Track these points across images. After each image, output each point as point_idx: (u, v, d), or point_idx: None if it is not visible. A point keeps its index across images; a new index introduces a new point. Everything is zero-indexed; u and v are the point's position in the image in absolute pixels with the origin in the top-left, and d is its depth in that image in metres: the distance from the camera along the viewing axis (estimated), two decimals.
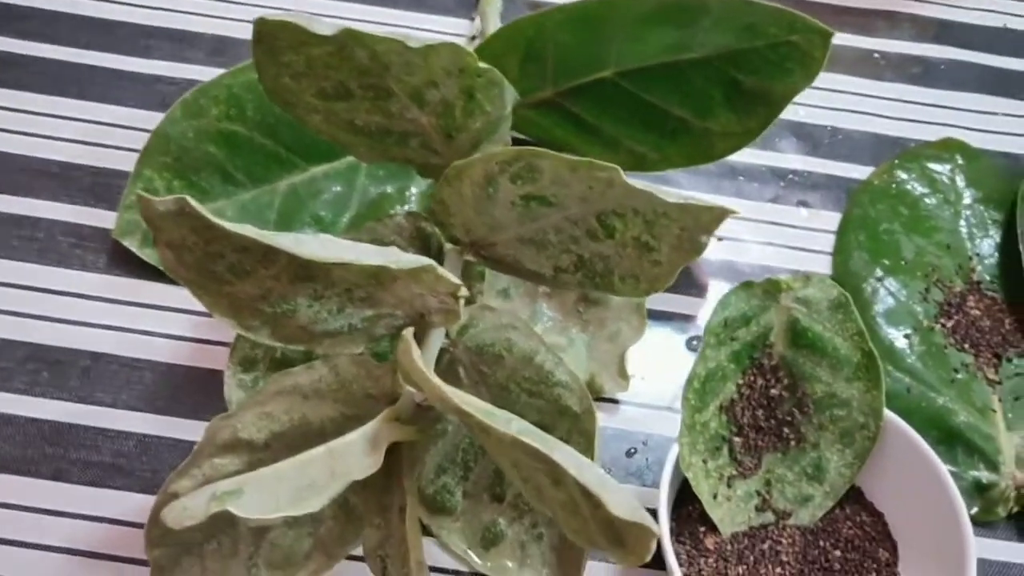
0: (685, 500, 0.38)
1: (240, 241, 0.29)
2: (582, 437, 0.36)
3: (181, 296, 0.44)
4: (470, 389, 0.36)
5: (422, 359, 0.30)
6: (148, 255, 0.44)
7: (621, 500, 0.25)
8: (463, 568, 0.38)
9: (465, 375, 0.37)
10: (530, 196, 0.33)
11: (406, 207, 0.47)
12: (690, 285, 0.48)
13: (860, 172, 0.53)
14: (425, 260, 0.31)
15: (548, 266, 0.35)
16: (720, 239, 0.49)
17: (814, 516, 0.38)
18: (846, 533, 0.38)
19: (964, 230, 0.50)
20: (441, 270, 0.31)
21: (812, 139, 0.54)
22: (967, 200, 0.52)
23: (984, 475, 0.42)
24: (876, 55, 0.59)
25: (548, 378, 0.36)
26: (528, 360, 0.36)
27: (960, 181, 0.52)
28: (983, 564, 0.40)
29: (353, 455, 0.29)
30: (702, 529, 0.37)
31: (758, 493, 0.38)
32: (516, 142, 0.41)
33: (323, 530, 0.34)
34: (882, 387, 0.37)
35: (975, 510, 0.41)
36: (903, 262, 0.49)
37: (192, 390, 0.42)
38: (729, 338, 0.37)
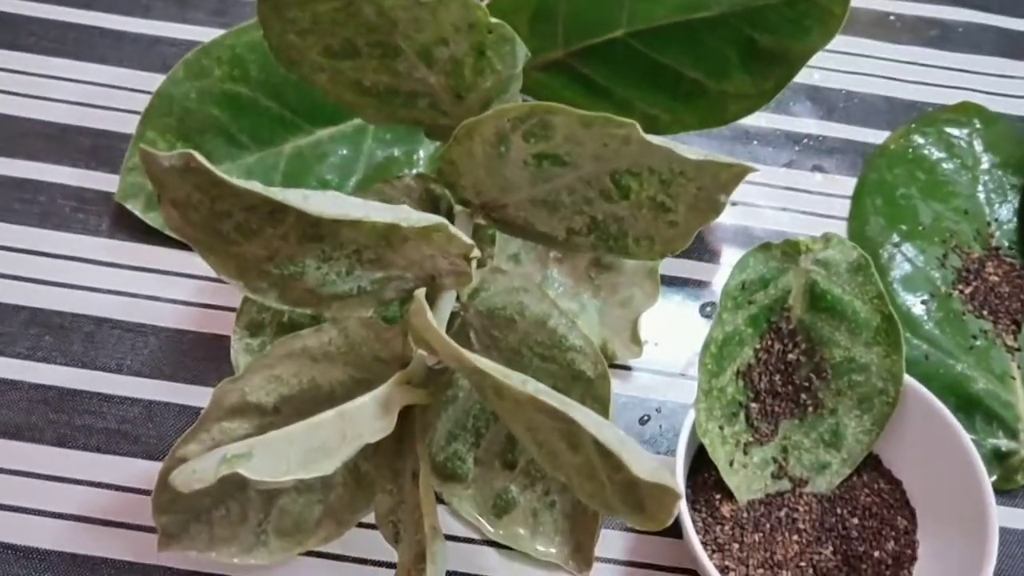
0: (701, 467, 0.37)
1: (247, 198, 0.28)
2: (596, 403, 0.35)
3: (186, 260, 0.43)
4: (481, 354, 0.36)
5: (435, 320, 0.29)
6: (152, 218, 0.44)
7: (643, 461, 0.24)
8: (475, 535, 0.38)
9: (476, 339, 0.36)
10: (543, 155, 0.32)
11: (414, 171, 0.46)
12: (703, 251, 0.47)
13: (876, 136, 0.52)
14: (437, 219, 0.30)
15: (561, 228, 0.34)
16: (734, 204, 0.48)
17: (831, 483, 0.37)
18: (864, 501, 0.37)
19: (982, 195, 0.49)
20: (453, 229, 0.30)
21: (827, 103, 0.53)
22: (985, 165, 0.51)
23: (1003, 443, 0.41)
24: (892, 17, 0.57)
25: (561, 342, 0.35)
26: (541, 324, 0.35)
27: (978, 145, 0.51)
28: (1003, 533, 0.39)
29: (364, 418, 0.28)
30: (718, 496, 0.36)
31: (774, 460, 0.37)
32: None
33: (333, 497, 0.34)
34: (902, 351, 0.36)
35: (994, 478, 0.40)
36: (920, 227, 0.48)
37: (198, 355, 0.41)
38: (747, 301, 0.36)
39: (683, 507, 0.34)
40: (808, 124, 0.52)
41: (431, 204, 0.37)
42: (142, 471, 0.38)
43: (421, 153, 0.47)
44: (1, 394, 0.40)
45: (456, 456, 0.37)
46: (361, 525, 0.36)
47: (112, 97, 0.49)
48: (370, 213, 0.29)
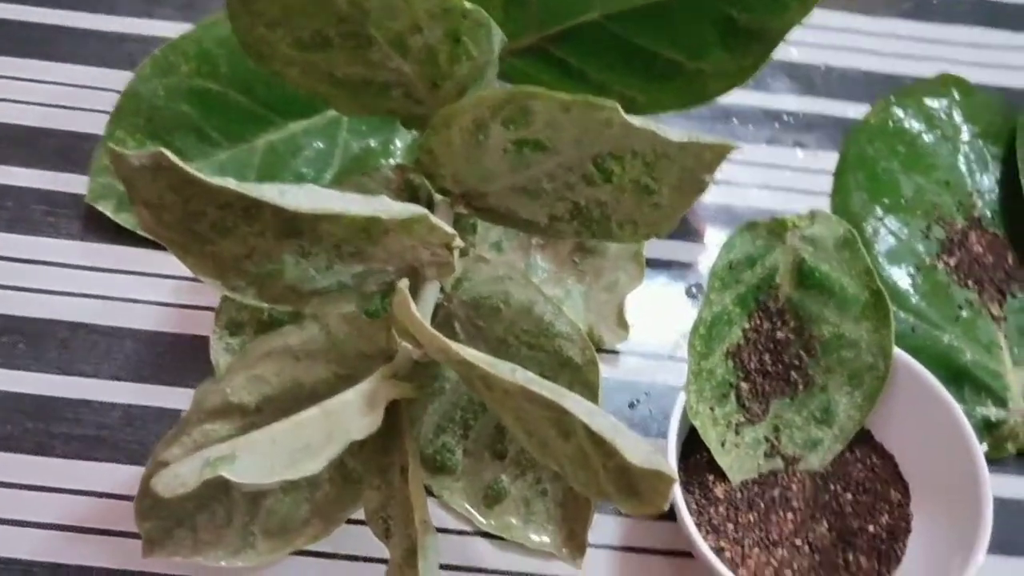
0: (692, 449, 0.37)
1: (221, 196, 0.27)
2: (585, 389, 0.35)
3: (161, 261, 0.42)
4: (467, 344, 0.35)
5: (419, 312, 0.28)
6: (124, 219, 0.43)
7: (636, 447, 0.24)
8: (467, 527, 0.37)
9: (461, 330, 0.35)
10: (523, 141, 0.31)
11: (391, 161, 0.46)
12: (687, 231, 0.46)
13: (856, 111, 0.51)
14: (417, 209, 0.29)
15: (543, 215, 0.34)
16: (716, 183, 0.48)
17: (823, 460, 0.37)
18: (856, 476, 0.37)
19: (963, 166, 0.49)
20: (434, 219, 0.30)
21: (806, 78, 0.53)
22: (965, 136, 0.50)
23: (993, 412, 0.41)
24: None
25: (548, 329, 0.35)
26: (526, 311, 0.35)
27: (958, 117, 0.51)
28: (994, 502, 0.39)
29: (350, 415, 0.28)
30: (711, 478, 0.36)
31: (766, 439, 0.37)
32: None
33: (320, 495, 0.33)
34: (891, 326, 0.36)
35: (984, 448, 0.40)
36: (903, 200, 0.47)
37: (177, 357, 0.40)
38: (734, 281, 0.36)
39: (676, 490, 0.33)
40: (787, 100, 0.52)
41: (410, 195, 0.36)
42: (123, 477, 0.37)
43: (398, 143, 0.46)
44: None
45: (445, 448, 0.37)
46: (351, 522, 0.36)
47: (79, 97, 0.48)
48: (349, 206, 0.28)
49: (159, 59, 0.43)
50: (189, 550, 0.32)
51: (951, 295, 0.44)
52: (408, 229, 0.30)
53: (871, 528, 0.36)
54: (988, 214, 0.48)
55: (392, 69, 0.34)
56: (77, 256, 0.43)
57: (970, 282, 0.45)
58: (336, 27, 0.33)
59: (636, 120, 0.29)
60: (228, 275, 0.30)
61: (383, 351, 0.32)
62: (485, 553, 0.37)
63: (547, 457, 0.28)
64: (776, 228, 0.36)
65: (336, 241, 0.30)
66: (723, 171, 0.48)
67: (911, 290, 0.44)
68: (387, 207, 0.29)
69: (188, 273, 0.31)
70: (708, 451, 0.36)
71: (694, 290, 0.45)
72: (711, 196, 0.47)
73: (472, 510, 0.37)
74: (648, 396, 0.42)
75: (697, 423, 0.35)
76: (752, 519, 0.36)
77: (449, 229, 0.30)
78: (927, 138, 0.50)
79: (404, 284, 0.29)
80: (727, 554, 0.35)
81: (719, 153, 0.30)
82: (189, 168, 0.26)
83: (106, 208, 0.43)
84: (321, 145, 0.45)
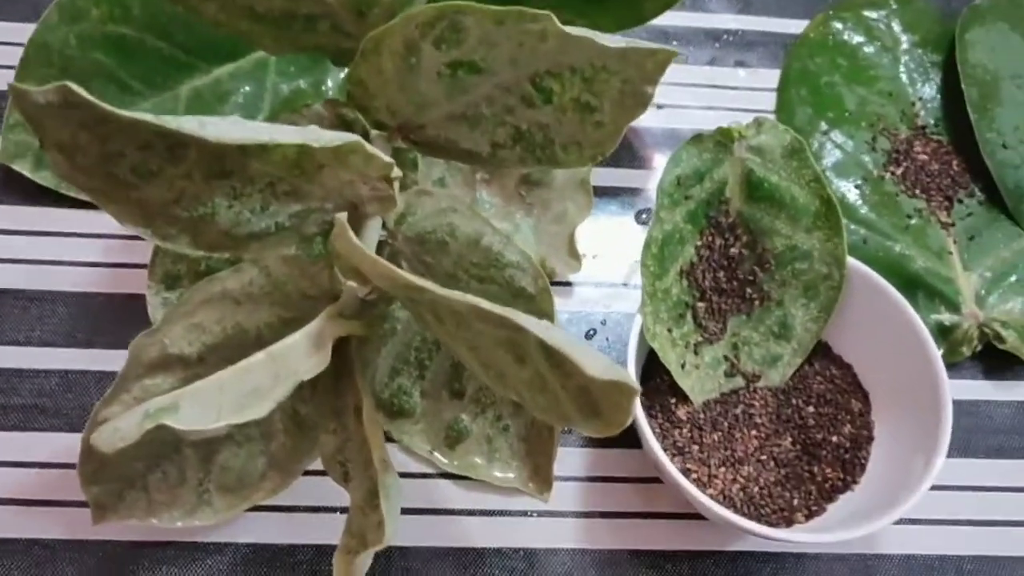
0: (653, 373, 0.36)
1: (139, 132, 0.26)
2: (540, 319, 0.34)
3: (88, 219, 0.40)
4: None
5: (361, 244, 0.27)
6: (43, 178, 0.40)
7: (594, 361, 0.23)
8: (430, 470, 0.36)
9: (408, 267, 0.34)
10: (457, 63, 0.30)
11: None
12: (633, 157, 0.45)
13: (795, 27, 0.51)
14: (351, 136, 0.28)
15: (484, 143, 0.33)
16: (660, 107, 0.47)
17: (784, 375, 0.37)
18: (817, 388, 0.37)
19: (904, 76, 0.49)
20: (370, 148, 0.28)
21: None
22: (905, 45, 0.50)
23: (946, 317, 0.41)
24: None
25: (498, 260, 0.34)
26: (474, 243, 0.34)
27: (896, 26, 0.51)
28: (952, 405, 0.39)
29: (297, 356, 0.26)
30: (672, 400, 0.36)
31: (726, 358, 0.37)
32: None
33: (275, 446, 0.32)
34: (843, 234, 0.36)
35: (940, 352, 0.40)
36: (847, 113, 0.47)
37: (113, 318, 0.38)
38: (683, 197, 0.35)
39: (639, 414, 0.33)
40: (726, 19, 0.51)
41: (344, 130, 0.35)
42: (67, 444, 0.36)
43: (329, 83, 0.44)
44: None
45: (401, 391, 0.36)
46: (309, 473, 0.35)
47: None
48: (276, 136, 0.26)
49: (65, 5, 0.40)
50: (143, 512, 0.31)
51: (900, 205, 0.44)
52: (343, 160, 0.28)
53: (834, 439, 0.36)
54: (931, 122, 0.47)
55: (316, 0, 0.33)
56: None
57: (917, 191, 0.45)
58: None
59: (573, 30, 0.28)
60: (156, 222, 0.29)
61: (327, 292, 0.30)
62: (451, 494, 0.36)
63: (505, 387, 0.27)
64: (723, 139, 0.35)
65: (269, 179, 0.28)
66: (666, 94, 0.47)
67: (860, 201, 0.44)
68: (317, 136, 0.27)
69: (118, 230, 0.29)
70: (668, 374, 0.35)
71: (644, 216, 0.44)
72: (655, 120, 0.47)
73: (434, 452, 0.36)
74: (605, 325, 0.41)
75: (656, 345, 0.35)
76: (716, 439, 0.35)
77: (386, 158, 0.29)
78: (867, 49, 0.49)
79: (343, 216, 0.28)
80: (694, 475, 0.34)
81: (661, 62, 0.28)
82: (100, 103, 0.24)
83: (23, 167, 0.40)
84: (249, 89, 0.43)
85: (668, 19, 0.42)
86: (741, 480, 0.35)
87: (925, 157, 0.46)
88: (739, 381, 0.37)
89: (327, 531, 0.35)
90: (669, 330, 0.35)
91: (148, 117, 0.25)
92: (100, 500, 0.30)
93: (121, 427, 0.23)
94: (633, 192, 0.44)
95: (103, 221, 0.39)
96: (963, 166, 0.46)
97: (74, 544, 0.34)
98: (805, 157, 0.35)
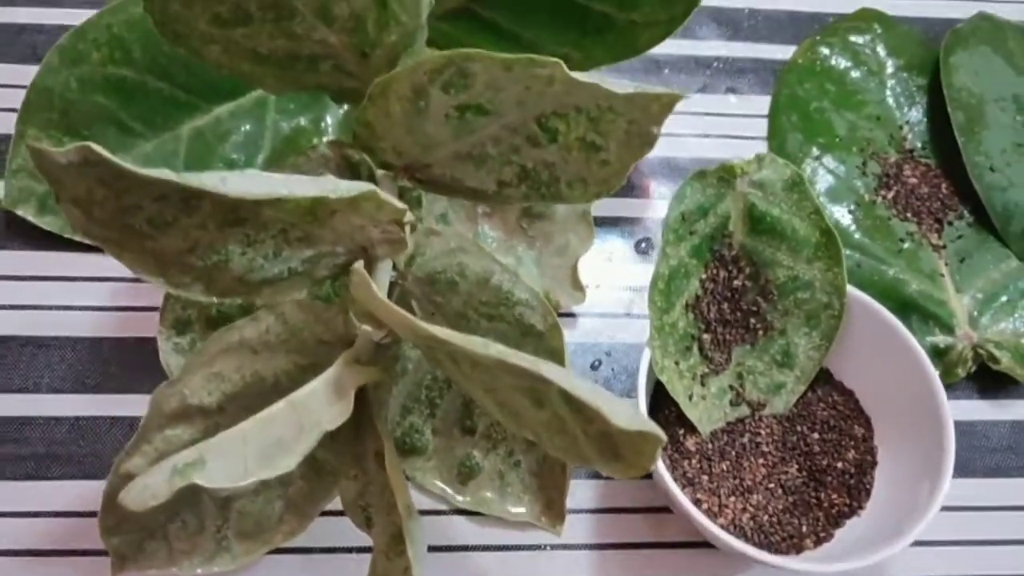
0: (661, 405, 0.37)
1: (157, 188, 0.26)
2: (550, 356, 0.34)
3: (93, 263, 0.40)
4: (426, 321, 0.34)
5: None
6: (48, 223, 0.40)
7: (619, 410, 0.23)
8: (443, 507, 0.37)
9: (419, 307, 0.35)
10: (464, 106, 0.30)
11: (324, 139, 0.44)
12: (631, 187, 0.46)
13: (784, 52, 0.52)
14: (366, 186, 0.28)
15: (490, 181, 0.33)
16: None
17: (788, 403, 0.38)
18: (821, 415, 0.38)
19: (891, 100, 0.50)
20: (384, 195, 0.29)
21: (732, 23, 0.53)
22: (890, 69, 0.51)
23: (941, 339, 0.42)
24: None
25: (507, 298, 0.34)
26: (484, 282, 0.34)
27: (881, 51, 0.52)
28: None
29: (319, 405, 0.27)
30: (681, 431, 0.36)
31: (731, 388, 0.37)
32: None
33: (293, 491, 0.32)
34: (843, 264, 0.37)
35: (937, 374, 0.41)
36: (837, 139, 0.48)
37: (123, 363, 0.38)
38: (688, 232, 0.36)
39: None
40: (716, 46, 0.52)
41: (351, 171, 0.35)
42: (82, 492, 0.35)
43: (329, 120, 0.44)
44: None
45: (413, 429, 0.36)
46: (325, 513, 0.35)
47: None
48: (294, 189, 0.27)
49: (66, 48, 0.41)
50: (164, 561, 0.31)
51: (892, 228, 0.45)
52: (356, 207, 0.29)
53: (839, 465, 0.37)
54: (919, 145, 0.48)
55: (318, 41, 0.33)
56: (0, 266, 0.40)
57: (909, 214, 0.46)
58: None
59: (580, 75, 0.28)
60: (171, 271, 0.29)
61: (342, 336, 0.31)
62: (464, 531, 0.36)
63: (521, 427, 0.28)
64: (725, 175, 0.36)
65: (282, 226, 0.29)
66: None
67: (854, 227, 0.45)
68: (334, 186, 0.28)
69: (124, 274, 0.29)
70: (675, 406, 0.36)
71: (643, 245, 0.45)
72: (651, 150, 0.47)
73: (447, 488, 0.36)
74: (610, 356, 0.41)
75: (664, 378, 0.35)
76: (725, 468, 0.36)
77: (399, 204, 0.29)
78: (854, 74, 0.50)
79: (359, 265, 0.28)
80: (705, 505, 0.35)
81: (667, 104, 0.29)
82: (120, 161, 0.24)
83: (26, 212, 0.40)
84: (249, 127, 0.43)
85: (659, 48, 0.42)
86: (751, 509, 0.35)
87: (915, 180, 0.47)
88: (744, 410, 0.37)
89: (344, 572, 0.35)
90: (676, 363, 0.36)
91: (169, 175, 0.25)
92: (121, 551, 0.30)
93: (150, 484, 0.24)
94: (632, 221, 0.45)
95: (109, 264, 0.39)
96: (952, 188, 0.47)
97: None
98: (805, 190, 0.36)
